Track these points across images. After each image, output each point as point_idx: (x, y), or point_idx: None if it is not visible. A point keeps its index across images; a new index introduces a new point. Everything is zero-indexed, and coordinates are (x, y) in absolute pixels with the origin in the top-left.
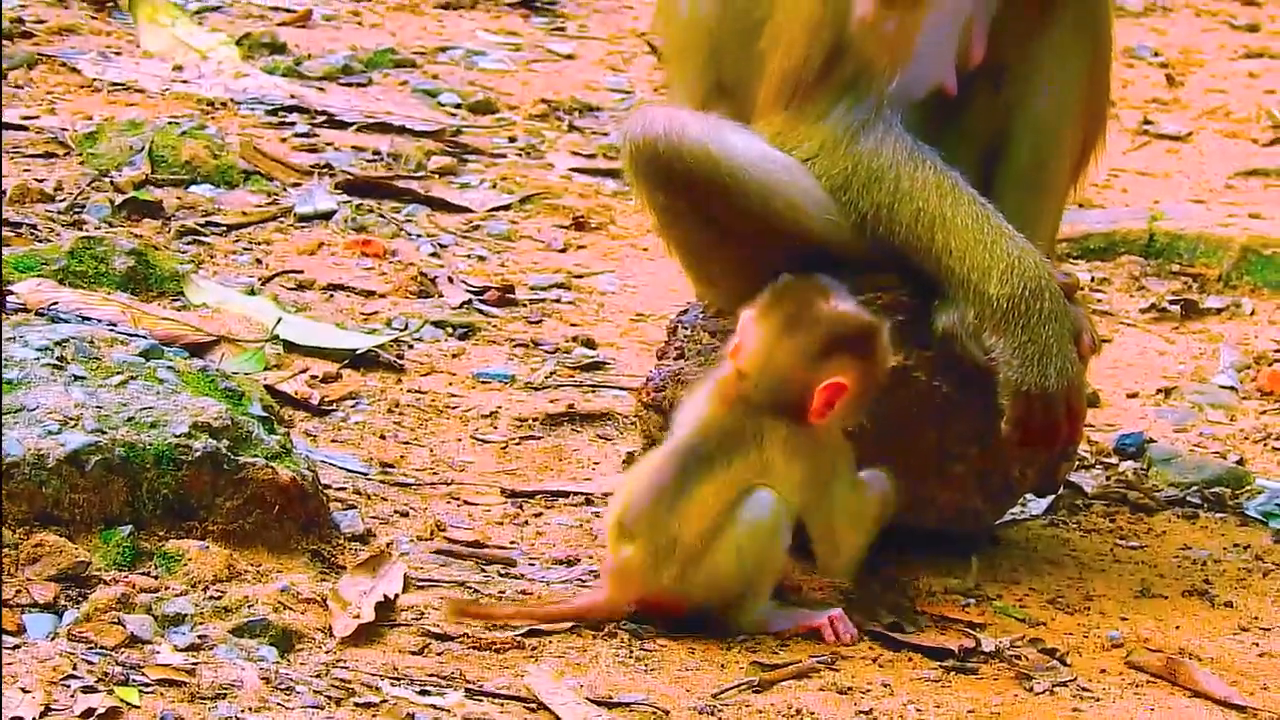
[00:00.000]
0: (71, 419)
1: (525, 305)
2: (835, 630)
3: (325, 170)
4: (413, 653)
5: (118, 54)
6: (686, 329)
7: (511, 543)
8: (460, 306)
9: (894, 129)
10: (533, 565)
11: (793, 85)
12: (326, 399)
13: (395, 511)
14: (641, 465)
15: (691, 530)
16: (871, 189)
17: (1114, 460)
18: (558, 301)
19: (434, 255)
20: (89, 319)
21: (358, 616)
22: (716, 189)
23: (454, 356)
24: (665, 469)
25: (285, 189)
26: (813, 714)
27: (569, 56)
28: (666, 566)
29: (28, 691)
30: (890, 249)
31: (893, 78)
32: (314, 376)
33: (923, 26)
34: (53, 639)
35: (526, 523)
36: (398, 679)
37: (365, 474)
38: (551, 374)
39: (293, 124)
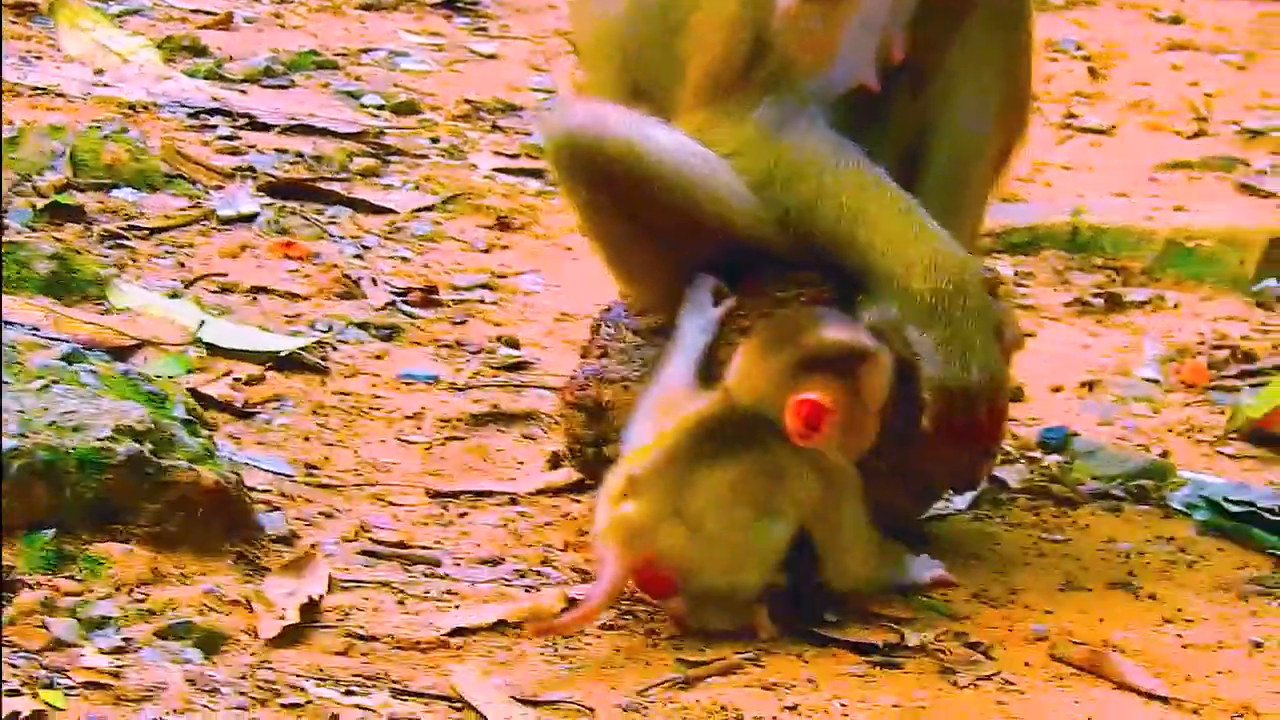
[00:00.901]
0: None
1: (449, 306)
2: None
3: (248, 173)
4: (337, 653)
5: (38, 58)
6: (610, 327)
7: (436, 543)
8: (384, 308)
9: (817, 125)
10: (458, 565)
11: (714, 83)
12: (250, 401)
13: (319, 513)
14: (655, 417)
15: (699, 502)
16: (794, 185)
17: (1038, 454)
18: (481, 302)
19: (357, 257)
20: (11, 323)
21: (282, 618)
22: (639, 182)
23: (378, 358)
24: (685, 434)
25: (208, 192)
26: (738, 710)
27: (491, 57)
28: (668, 530)
29: None
30: (814, 245)
31: (815, 74)
32: (237, 379)
33: (845, 23)
34: None
35: (451, 523)
36: (323, 680)
37: (289, 476)
38: (476, 374)
39: (215, 127)
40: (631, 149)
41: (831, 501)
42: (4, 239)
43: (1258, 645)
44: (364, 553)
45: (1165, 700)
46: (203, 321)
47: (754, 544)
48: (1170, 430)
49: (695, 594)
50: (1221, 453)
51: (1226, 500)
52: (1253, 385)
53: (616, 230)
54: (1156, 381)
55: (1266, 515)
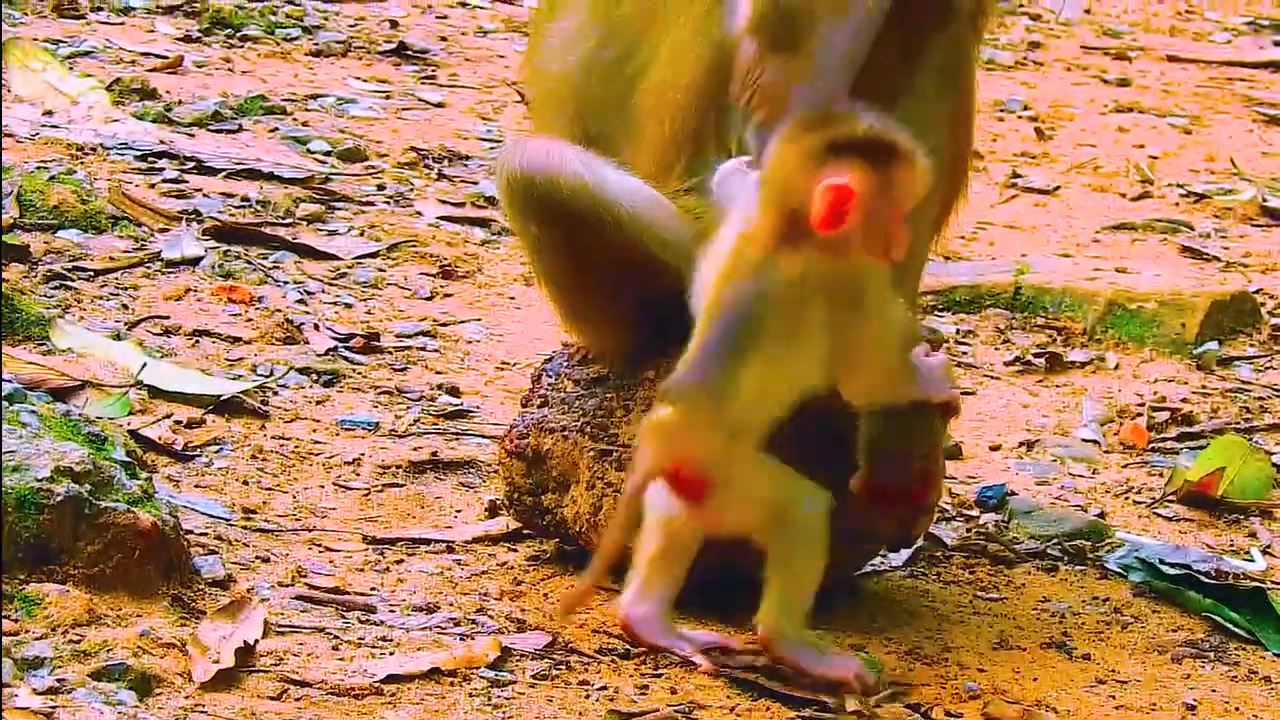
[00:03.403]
0: None
1: (391, 353)
2: (862, 682)
3: (193, 216)
4: (271, 698)
5: None
6: (551, 377)
7: (372, 589)
8: (326, 353)
9: None
10: (393, 612)
11: (669, 137)
12: (190, 444)
13: (256, 557)
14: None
15: (736, 406)
16: None
17: (975, 512)
18: (423, 349)
19: (300, 302)
20: None
21: (217, 661)
22: (592, 223)
23: (318, 403)
24: (710, 335)
25: (153, 234)
26: None
27: (439, 105)
28: (702, 436)
29: None
30: None
31: (770, 128)
32: (178, 422)
33: (801, 76)
34: None
35: (387, 569)
36: None
37: (227, 519)
38: (415, 421)
39: (162, 170)
40: (586, 188)
41: (850, 310)
42: None
43: (1191, 708)
44: (300, 598)
45: None
46: (144, 364)
47: (801, 543)
48: (1108, 491)
49: (742, 535)
50: (1159, 514)
51: (1162, 562)
52: (1191, 448)
53: (565, 271)
54: (1095, 442)
55: (1202, 578)
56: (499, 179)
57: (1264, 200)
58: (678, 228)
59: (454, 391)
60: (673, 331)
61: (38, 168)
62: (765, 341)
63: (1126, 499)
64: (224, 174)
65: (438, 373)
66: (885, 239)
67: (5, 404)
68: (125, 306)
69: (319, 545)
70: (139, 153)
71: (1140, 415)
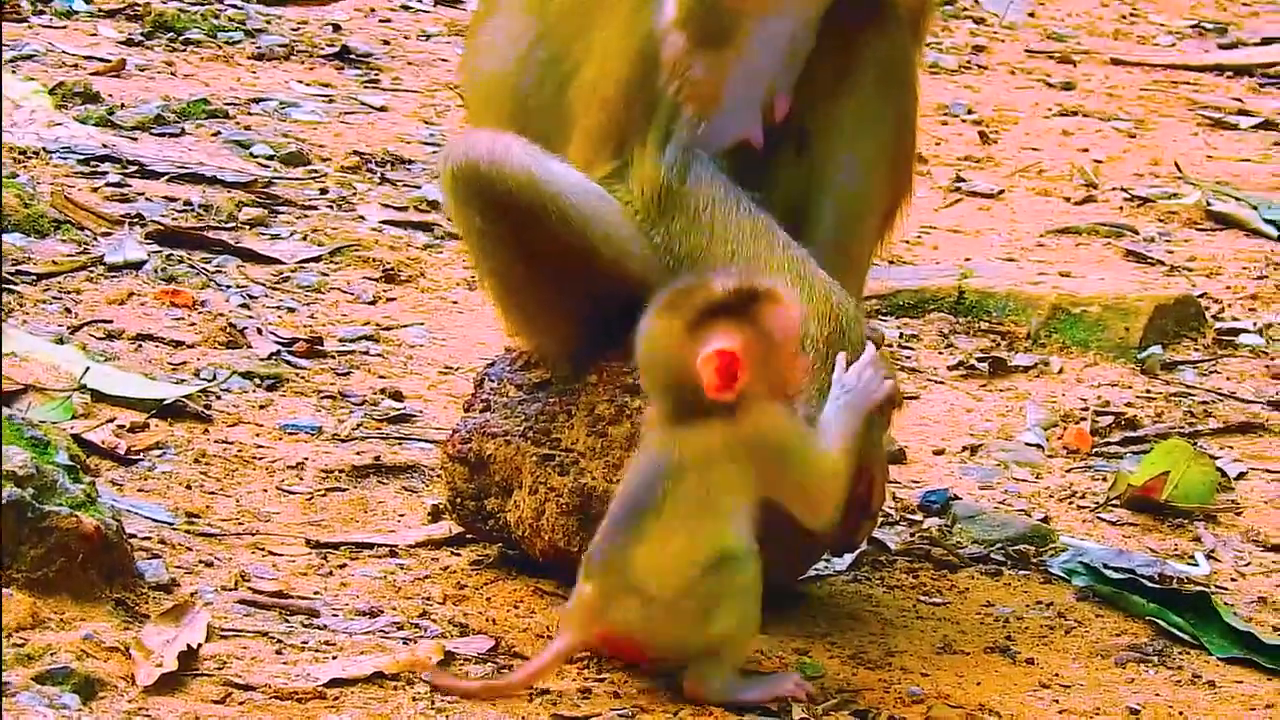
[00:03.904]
0: None
1: (334, 357)
2: (805, 692)
3: (136, 220)
4: (215, 701)
5: None
6: (493, 382)
7: (315, 593)
8: (269, 358)
9: (706, 172)
10: (336, 616)
11: (604, 133)
12: (133, 448)
13: (200, 561)
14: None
15: (645, 570)
16: (688, 232)
17: (918, 517)
18: (366, 354)
19: (243, 306)
20: None
21: (160, 665)
22: (537, 216)
23: (261, 407)
24: (618, 509)
25: (96, 238)
26: None
27: (382, 109)
28: (618, 605)
29: None
30: None
31: (701, 123)
32: (121, 426)
33: (731, 72)
34: None
35: (331, 573)
36: None
37: (170, 523)
38: (358, 426)
39: (104, 174)
40: (532, 180)
41: (772, 461)
42: None
43: (1135, 712)
44: (243, 602)
45: None
46: (87, 368)
47: (733, 609)
48: (1052, 496)
49: (685, 660)
50: (1102, 519)
51: (1106, 566)
52: (1135, 452)
53: (509, 266)
54: (1039, 447)
55: (1146, 582)
56: (443, 172)
57: (1208, 204)
58: (623, 223)
59: (397, 396)
60: (617, 332)
61: None
62: (678, 511)
63: (1070, 503)
64: (166, 178)
65: (381, 377)
66: (782, 380)
67: None
68: (68, 310)
69: (262, 549)
70: (81, 156)
71: (1084, 420)
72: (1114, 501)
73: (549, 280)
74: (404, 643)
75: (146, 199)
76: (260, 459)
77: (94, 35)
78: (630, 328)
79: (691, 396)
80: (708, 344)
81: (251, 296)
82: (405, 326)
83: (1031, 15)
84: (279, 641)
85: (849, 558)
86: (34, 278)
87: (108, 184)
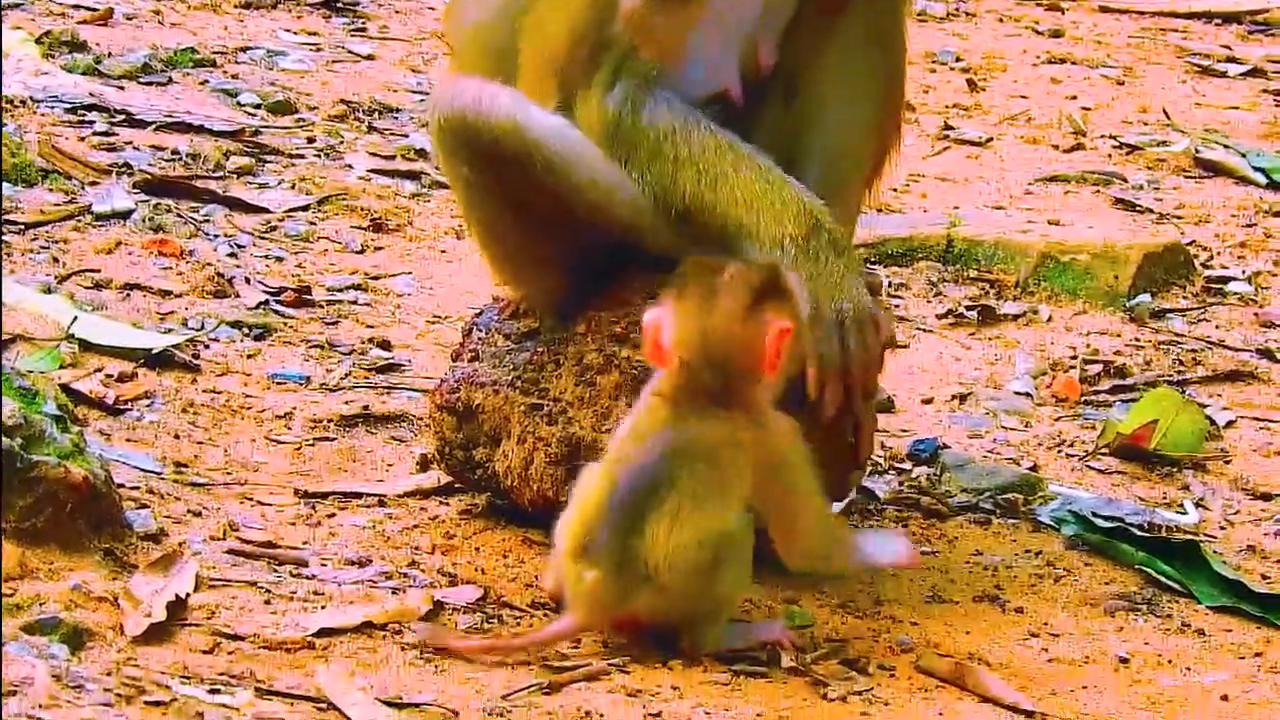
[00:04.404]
0: None
1: (322, 306)
2: (788, 640)
3: (124, 169)
4: (203, 651)
5: None
6: (481, 331)
7: (304, 543)
8: (257, 307)
9: (662, 106)
10: (324, 566)
11: (563, 73)
12: (121, 398)
13: (188, 511)
14: (590, 485)
15: (659, 553)
16: (654, 163)
17: (907, 466)
18: (354, 303)
19: (231, 255)
20: None
21: (149, 615)
22: (523, 162)
23: (249, 357)
24: (623, 491)
25: (83, 188)
26: (602, 716)
27: (369, 57)
28: (634, 591)
29: None
30: (687, 225)
31: (662, 68)
32: (109, 375)
33: (695, 25)
34: None
35: (319, 523)
36: (188, 678)
37: (159, 473)
38: (347, 375)
39: (92, 123)
40: (517, 128)
41: (774, 473)
42: None
43: (1124, 661)
44: (231, 551)
45: (1029, 714)
46: (75, 317)
47: (729, 570)
48: (1040, 444)
49: (683, 624)
50: (1091, 468)
51: (1095, 515)
52: (1124, 400)
53: (497, 214)
54: (1028, 395)
55: (1135, 531)
56: (431, 121)
57: (1197, 152)
58: (606, 167)
59: (385, 345)
60: (603, 281)
61: None
62: (687, 497)
63: (1059, 452)
64: (154, 127)
65: (369, 326)
66: (793, 365)
67: None
68: (56, 260)
69: (250, 499)
70: (69, 105)
71: (1073, 368)
72: (1103, 450)
73: (536, 228)
74: (392, 592)
75: (134, 148)
76: (248, 409)
77: None
78: (617, 276)
79: (744, 368)
80: (772, 323)
81: (239, 246)
82: (393, 275)
83: None
84: (267, 591)
85: (838, 506)
86: (21, 227)
87: (95, 133)
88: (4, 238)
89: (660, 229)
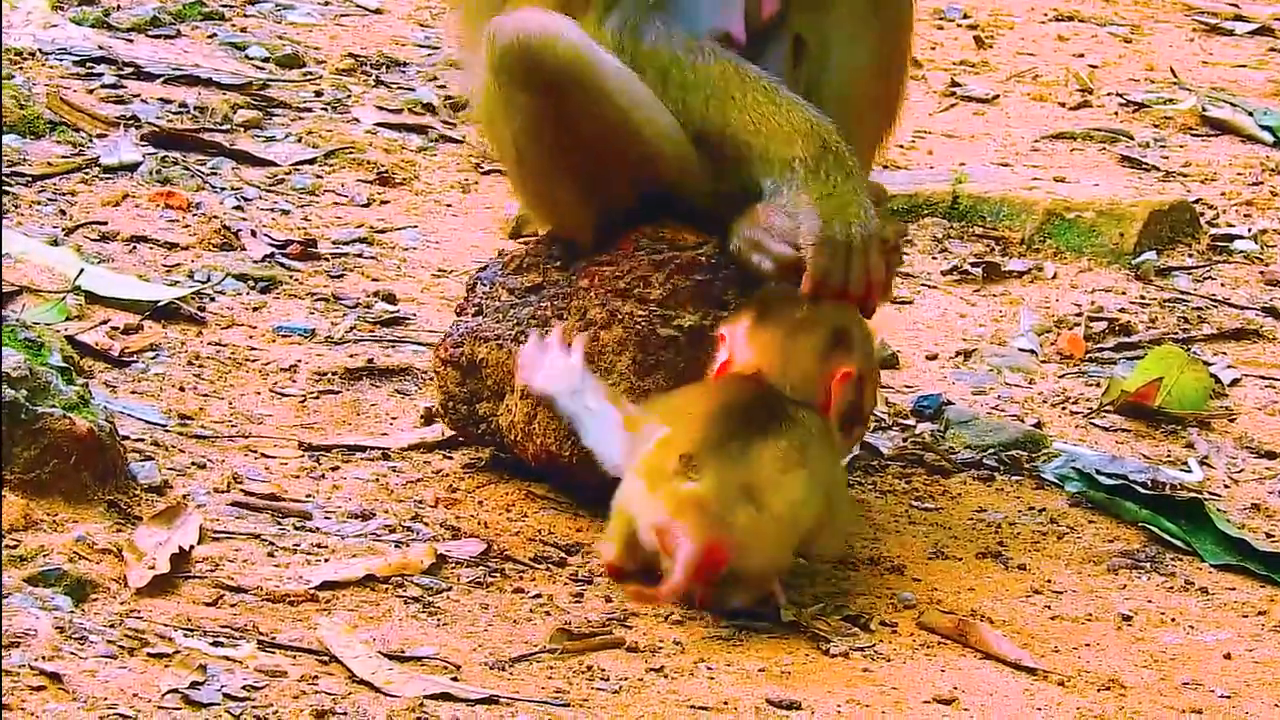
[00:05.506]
0: None
1: (327, 260)
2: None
3: (131, 122)
4: (206, 604)
5: None
6: (485, 285)
7: (308, 496)
8: (262, 260)
9: (665, 27)
10: (328, 519)
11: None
12: (127, 350)
13: (192, 463)
14: (688, 401)
15: (761, 478)
16: (665, 91)
17: (911, 422)
18: (360, 256)
19: (238, 208)
20: None
21: (153, 567)
22: (584, 92)
23: (255, 310)
24: (728, 410)
25: (91, 140)
26: (604, 670)
27: (377, 11)
28: (739, 509)
29: None
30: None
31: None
32: (115, 328)
33: None
34: None
35: (323, 476)
36: (191, 630)
37: (163, 425)
38: (351, 329)
39: (100, 75)
40: (581, 59)
41: (835, 469)
42: None
43: (1126, 618)
44: (235, 504)
45: (1032, 671)
46: (82, 269)
47: (801, 518)
48: (1045, 401)
49: (736, 575)
50: (1095, 425)
51: (1099, 473)
52: (1129, 358)
53: (549, 142)
54: (1033, 352)
55: (1139, 488)
56: (493, 48)
57: (1203, 110)
58: (663, 110)
59: (390, 299)
60: (635, 218)
61: None
62: (798, 440)
63: (1063, 409)
64: (162, 80)
65: (374, 280)
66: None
67: None
68: (63, 212)
69: (255, 452)
70: (77, 58)
71: (1078, 325)
72: (1107, 407)
73: (585, 158)
74: (396, 545)
75: (142, 101)
76: (253, 361)
77: None
78: (649, 217)
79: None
80: (838, 364)
81: (246, 199)
82: (399, 229)
83: None
84: (271, 544)
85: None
86: (29, 179)
87: (103, 85)
88: (11, 189)
89: (698, 172)
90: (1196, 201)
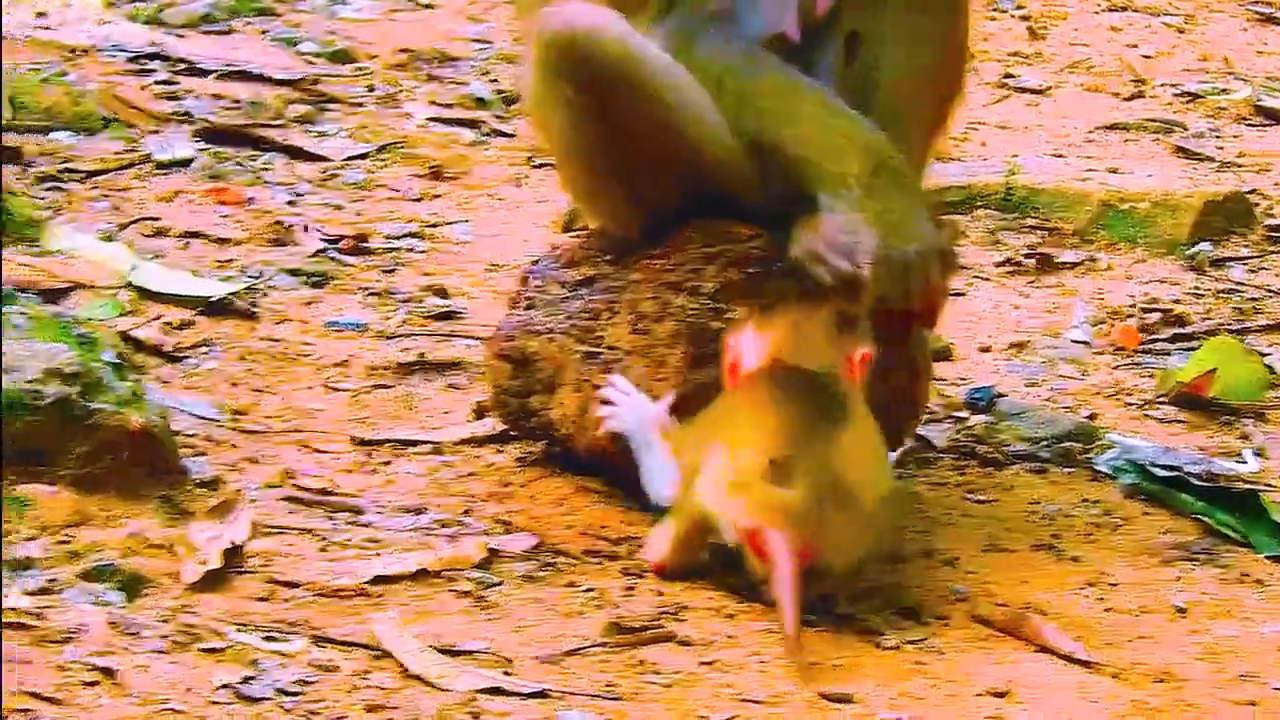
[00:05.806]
0: None
1: (379, 254)
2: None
3: (184, 118)
4: (259, 599)
5: None
6: (538, 279)
7: (360, 491)
8: (315, 255)
9: (722, 36)
10: (380, 513)
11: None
12: (179, 346)
13: (245, 458)
14: (740, 408)
15: (853, 479)
16: (719, 99)
17: (964, 414)
18: (412, 251)
19: (290, 203)
20: None
21: (205, 563)
22: (631, 88)
23: (307, 304)
24: (808, 407)
25: (144, 136)
26: (655, 664)
27: (429, 6)
28: (831, 510)
29: None
30: (761, 163)
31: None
32: (168, 323)
33: None
34: None
35: (375, 471)
36: (243, 625)
37: (216, 420)
38: (403, 323)
39: (153, 71)
40: (629, 54)
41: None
42: None
43: (1181, 611)
44: (287, 499)
45: (1086, 664)
46: (135, 265)
47: (877, 514)
48: (1098, 393)
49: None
50: (1150, 416)
51: (1153, 464)
52: (1183, 349)
53: (594, 138)
54: (1086, 344)
55: (1193, 480)
56: (540, 40)
57: (1258, 99)
58: (712, 110)
59: (442, 293)
60: (682, 219)
61: (30, 69)
62: (860, 425)
63: (1117, 400)
64: (215, 75)
65: (426, 274)
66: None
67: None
68: (116, 208)
69: (307, 446)
70: (130, 54)
71: (1132, 316)
72: (1161, 399)
73: (631, 155)
74: (447, 540)
75: (195, 96)
76: (306, 356)
77: None
78: (698, 214)
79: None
80: (854, 345)
81: (298, 194)
82: (451, 223)
83: None
84: (323, 539)
85: (894, 455)
86: (82, 175)
87: (156, 82)
88: (64, 186)
89: (743, 175)
90: (1251, 192)
